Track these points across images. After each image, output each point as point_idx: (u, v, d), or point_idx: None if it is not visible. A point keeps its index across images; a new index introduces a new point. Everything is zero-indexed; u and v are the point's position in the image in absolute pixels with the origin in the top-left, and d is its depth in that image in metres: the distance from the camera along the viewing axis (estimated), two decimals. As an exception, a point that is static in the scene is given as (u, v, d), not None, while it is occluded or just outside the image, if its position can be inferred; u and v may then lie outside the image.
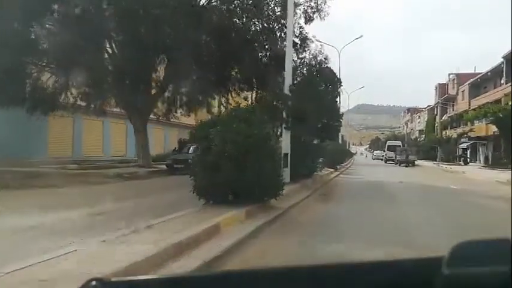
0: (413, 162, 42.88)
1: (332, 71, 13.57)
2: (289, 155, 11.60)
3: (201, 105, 22.46)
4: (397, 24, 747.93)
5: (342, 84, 13.81)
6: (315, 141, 16.06)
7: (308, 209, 8.93)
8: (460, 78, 56.78)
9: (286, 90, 11.55)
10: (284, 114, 11.66)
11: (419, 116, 78.32)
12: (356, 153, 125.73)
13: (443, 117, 58.57)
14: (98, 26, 16.21)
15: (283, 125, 11.72)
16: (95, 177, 16.52)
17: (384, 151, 58.90)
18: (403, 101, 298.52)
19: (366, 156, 78.95)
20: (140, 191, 11.89)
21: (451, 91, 58.10)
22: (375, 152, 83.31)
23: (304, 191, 11.32)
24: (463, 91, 52.86)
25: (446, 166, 35.70)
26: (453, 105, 58.06)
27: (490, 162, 39.50)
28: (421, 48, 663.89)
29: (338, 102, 16.46)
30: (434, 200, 11.52)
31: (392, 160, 48.27)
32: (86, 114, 21.78)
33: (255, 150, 6.99)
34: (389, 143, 55.52)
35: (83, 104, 20.85)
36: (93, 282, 0.81)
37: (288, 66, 11.77)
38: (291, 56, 12.30)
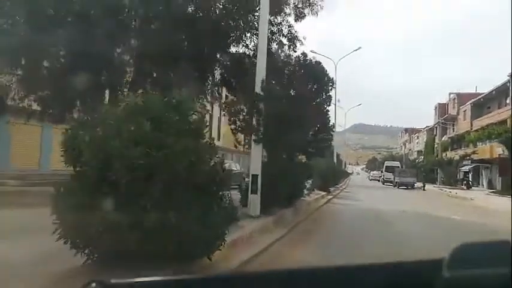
0: (413, 185, 39.74)
1: (321, 66, 10.36)
2: (259, 176, 8.45)
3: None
4: (396, 44, 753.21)
5: (335, 85, 10.64)
6: (301, 159, 13.04)
7: (274, 266, 5.68)
8: (461, 98, 54.07)
9: (258, 89, 8.45)
10: (254, 121, 8.55)
11: (417, 137, 75.38)
12: (352, 173, 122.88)
13: (443, 138, 55.59)
14: (45, 17, 13.27)
15: (253, 137, 8.59)
16: (29, 197, 13.27)
17: (382, 172, 55.66)
18: (401, 122, 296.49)
19: (368, 177, 75.60)
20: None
21: (452, 111, 55.31)
22: (371, 172, 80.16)
23: (278, 229, 8.08)
24: (464, 111, 50.03)
25: (451, 191, 32.45)
26: (453, 125, 55.19)
27: (498, 187, 36.28)
28: (420, 68, 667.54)
29: (329, 110, 13.39)
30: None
31: (391, 182, 45.09)
32: (41, 120, 18.65)
33: (169, 173, 3.84)
34: (387, 163, 52.24)
35: (39, 108, 17.70)
36: (93, 284, 0.80)
37: (262, 56, 8.65)
38: (265, 41, 9.21)
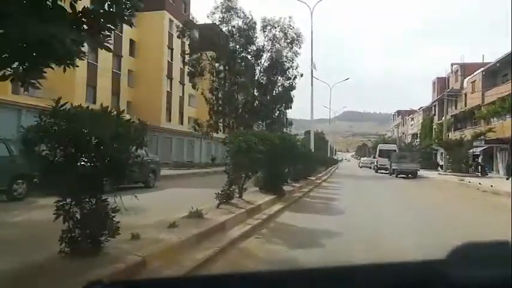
0: (416, 173, 29.40)
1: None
2: None
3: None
4: (386, 29, 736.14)
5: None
6: None
7: None
8: (466, 69, 43.62)
9: None
10: None
11: (412, 118, 64.81)
12: (342, 160, 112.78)
13: (445, 116, 45.14)
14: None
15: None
16: None
17: (374, 157, 45.24)
18: (390, 108, 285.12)
19: (358, 164, 65.36)
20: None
21: (455, 85, 44.86)
22: (362, 158, 69.81)
23: None
24: (473, 82, 39.43)
25: (480, 182, 21.70)
26: (456, 101, 44.79)
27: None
28: (411, 54, 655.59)
29: None
30: None
31: (385, 169, 34.73)
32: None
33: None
34: (381, 147, 41.33)
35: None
36: (93, 285, 0.76)
37: None
38: None
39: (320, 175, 22.37)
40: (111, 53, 33.72)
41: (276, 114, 36.05)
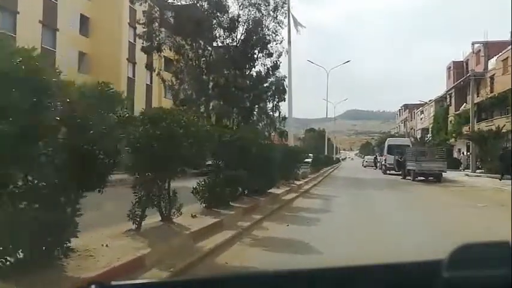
0: (440, 176, 20.74)
1: None
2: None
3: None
4: (388, 27, 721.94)
5: None
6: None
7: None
8: (491, 48, 34.85)
9: None
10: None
11: (421, 112, 55.87)
12: (345, 159, 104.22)
13: (472, 102, 36.23)
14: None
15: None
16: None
17: (381, 155, 36.58)
18: (394, 106, 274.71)
19: (362, 163, 56.84)
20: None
21: (477, 68, 36.03)
22: (365, 157, 61.26)
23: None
24: (504, 60, 30.64)
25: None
26: (479, 87, 35.89)
27: None
28: (412, 52, 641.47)
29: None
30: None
31: (394, 169, 26.23)
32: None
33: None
34: (391, 141, 32.05)
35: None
36: (93, 286, 0.74)
37: None
38: None
39: (301, 182, 13.87)
40: (40, 24, 25.86)
41: (269, 106, 27.87)
